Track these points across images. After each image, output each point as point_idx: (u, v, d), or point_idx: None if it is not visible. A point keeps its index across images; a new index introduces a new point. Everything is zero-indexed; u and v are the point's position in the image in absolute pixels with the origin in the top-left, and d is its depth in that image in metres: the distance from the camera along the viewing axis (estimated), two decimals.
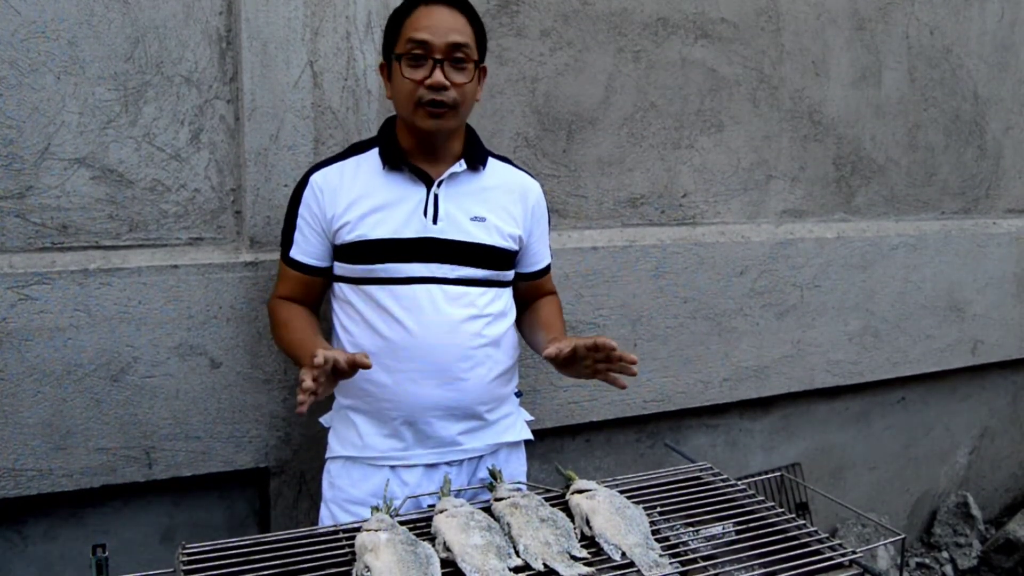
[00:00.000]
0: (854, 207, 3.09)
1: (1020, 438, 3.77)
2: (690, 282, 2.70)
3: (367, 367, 1.58)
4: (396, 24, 1.76)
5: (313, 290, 1.88)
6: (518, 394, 1.98)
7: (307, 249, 1.83)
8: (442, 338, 1.76)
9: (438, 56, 1.70)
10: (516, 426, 1.95)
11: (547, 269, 2.04)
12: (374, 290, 1.77)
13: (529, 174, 1.98)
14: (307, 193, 1.82)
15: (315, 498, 2.25)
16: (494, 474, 1.72)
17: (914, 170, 3.20)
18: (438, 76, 1.69)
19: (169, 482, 2.11)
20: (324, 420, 1.96)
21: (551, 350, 1.73)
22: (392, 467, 1.81)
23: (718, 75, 2.73)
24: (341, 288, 1.84)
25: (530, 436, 1.98)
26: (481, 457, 1.87)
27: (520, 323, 2.02)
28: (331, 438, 1.91)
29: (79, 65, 1.94)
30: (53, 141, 1.94)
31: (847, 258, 2.99)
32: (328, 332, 1.92)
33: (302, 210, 1.82)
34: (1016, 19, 3.34)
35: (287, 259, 1.85)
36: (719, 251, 2.74)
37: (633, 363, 1.68)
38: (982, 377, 3.53)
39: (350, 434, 1.84)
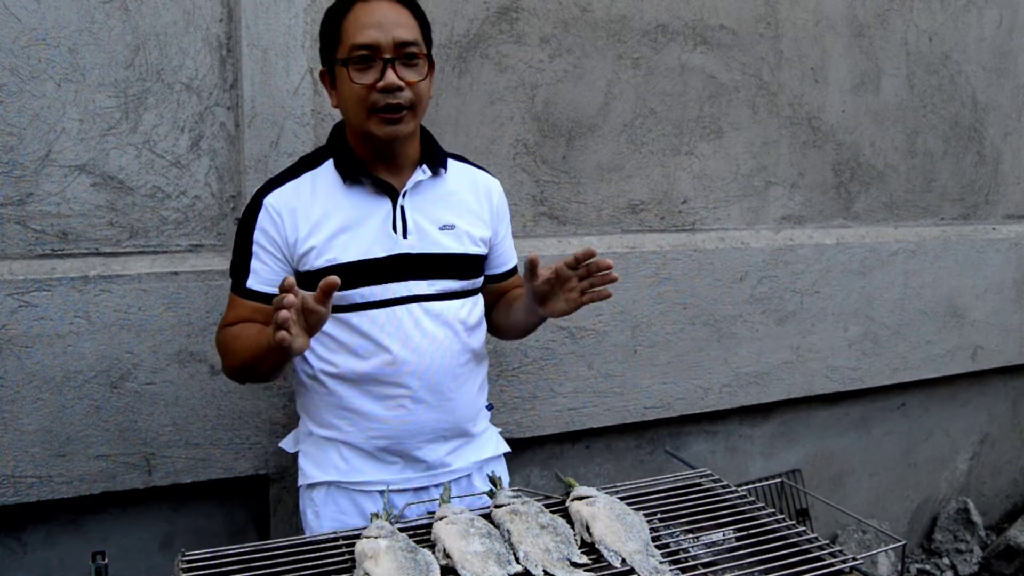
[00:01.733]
0: (853, 213, 3.10)
1: (1020, 444, 3.76)
2: (690, 288, 2.70)
3: (335, 285, 1.40)
4: (334, 25, 1.63)
5: (269, 322, 1.61)
6: (489, 407, 1.92)
7: (267, 277, 1.66)
8: (429, 360, 1.68)
9: (387, 56, 1.57)
10: (494, 439, 1.90)
11: (515, 270, 1.94)
12: (350, 317, 1.66)
13: (486, 171, 1.87)
14: (262, 217, 1.65)
15: None
16: (494, 481, 1.71)
17: (913, 176, 3.21)
18: (391, 77, 1.56)
19: (169, 489, 2.10)
20: (286, 445, 1.86)
21: (542, 271, 1.61)
22: (380, 492, 1.71)
23: (717, 82, 2.73)
24: None
25: (507, 448, 1.93)
26: (468, 475, 1.81)
27: (495, 321, 1.92)
28: (304, 463, 1.77)
29: (80, 72, 1.95)
30: (54, 148, 1.94)
31: (846, 264, 3.00)
32: (292, 376, 1.81)
33: (257, 236, 1.65)
34: (1014, 25, 3.35)
35: (242, 291, 1.67)
36: (719, 257, 2.74)
37: (609, 267, 1.58)
38: (982, 383, 3.53)
39: (331, 459, 1.73)
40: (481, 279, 1.83)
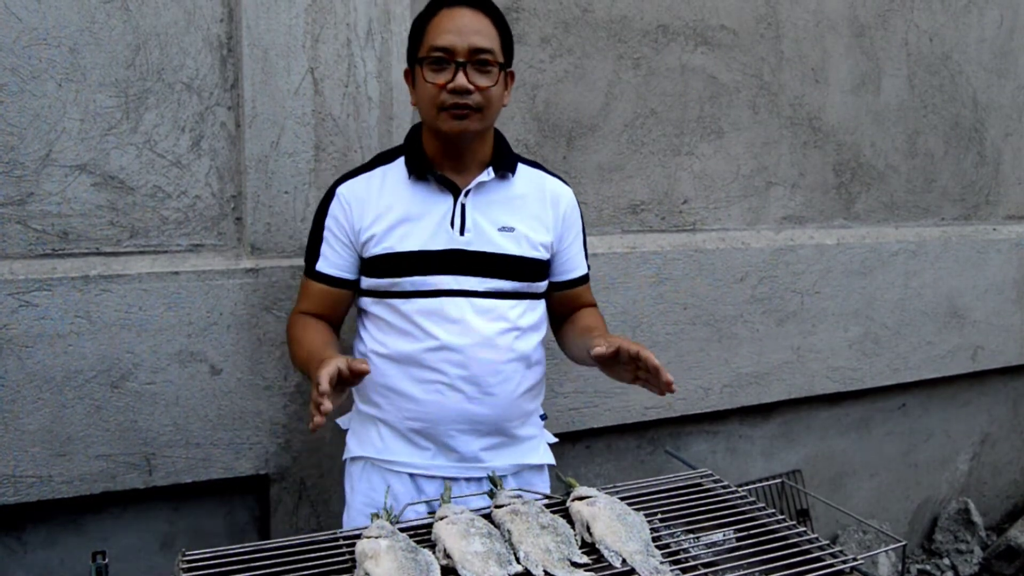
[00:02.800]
0: (854, 213, 3.10)
1: (1021, 444, 3.76)
2: (690, 288, 2.70)
3: (365, 372, 1.53)
4: (419, 29, 1.72)
5: (338, 305, 1.84)
6: (543, 416, 1.95)
7: (335, 262, 1.79)
8: (471, 351, 1.73)
9: (460, 59, 1.65)
10: (539, 449, 1.91)
11: (583, 279, 1.96)
12: (402, 304, 1.74)
13: (561, 179, 1.92)
14: (334, 205, 1.79)
15: (315, 505, 2.25)
16: (494, 481, 1.71)
17: (914, 176, 3.21)
18: (460, 80, 1.65)
19: (169, 489, 2.10)
20: (342, 422, 1.95)
21: (600, 348, 1.67)
22: (411, 475, 1.79)
23: (718, 82, 2.73)
24: (368, 303, 1.80)
25: (552, 460, 1.93)
26: (504, 477, 1.82)
27: (561, 337, 1.98)
28: (349, 439, 1.89)
29: (80, 72, 1.95)
30: (54, 148, 1.95)
31: (847, 264, 3.00)
32: (350, 349, 1.90)
33: (329, 222, 1.79)
34: (1015, 26, 3.35)
35: (313, 273, 1.81)
36: (719, 257, 2.74)
37: (669, 385, 1.61)
38: (982, 383, 3.53)
39: (370, 436, 1.82)
40: (543, 284, 1.86)
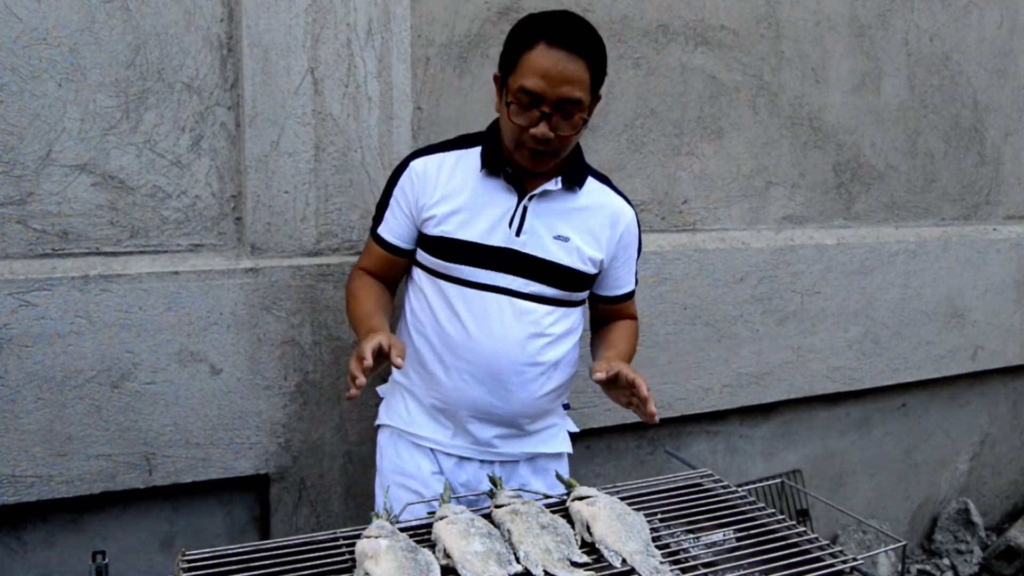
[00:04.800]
0: (854, 213, 3.09)
1: (1021, 444, 3.76)
2: (690, 288, 2.70)
3: (397, 366, 1.61)
4: (515, 50, 1.68)
5: (393, 269, 1.91)
6: (566, 406, 2.00)
7: (395, 230, 1.85)
8: (501, 350, 1.78)
9: (546, 110, 1.65)
10: (558, 437, 1.97)
11: (628, 296, 2.02)
12: (448, 287, 1.80)
13: (626, 199, 1.93)
14: (404, 177, 1.83)
15: (315, 505, 2.25)
16: (494, 480, 1.71)
17: (914, 176, 3.21)
18: (543, 129, 1.65)
19: (169, 488, 2.10)
20: (381, 391, 2.02)
21: (600, 374, 1.71)
22: (432, 450, 1.88)
23: (718, 82, 2.73)
24: (419, 275, 1.87)
25: (569, 449, 1.99)
26: (517, 462, 1.91)
27: (592, 341, 2.04)
28: (381, 406, 1.99)
29: (80, 72, 1.95)
30: (54, 148, 1.94)
31: (847, 264, 3.00)
32: (397, 312, 1.96)
33: (396, 192, 1.84)
34: (1015, 26, 3.35)
35: (375, 234, 1.89)
36: (719, 257, 2.74)
37: (652, 416, 1.67)
38: (982, 383, 3.53)
39: (399, 407, 1.91)
40: (583, 295, 1.92)
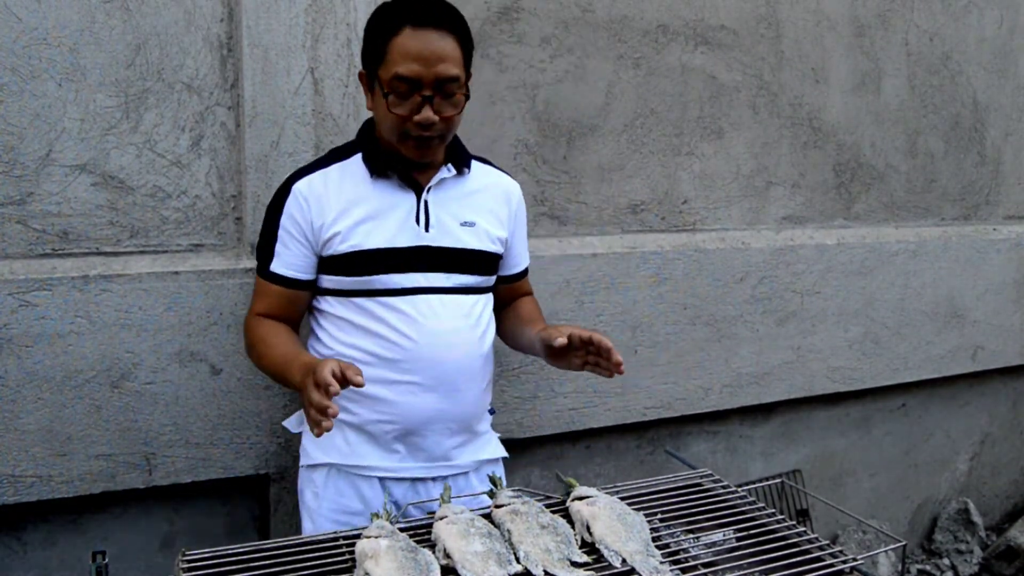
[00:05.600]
0: (854, 213, 3.09)
1: (1021, 444, 3.76)
2: (690, 288, 2.70)
3: (359, 384, 1.46)
4: (381, 41, 1.63)
5: (295, 306, 1.79)
6: (491, 411, 1.94)
7: (290, 261, 1.73)
8: (442, 350, 1.72)
9: (427, 93, 1.61)
10: (493, 442, 1.93)
11: (526, 272, 2.03)
12: (368, 302, 1.72)
13: (508, 174, 1.93)
14: (290, 203, 1.72)
15: None
16: (494, 480, 1.71)
17: (914, 176, 3.21)
18: (427, 113, 1.61)
19: (169, 488, 2.10)
20: (289, 425, 1.90)
21: (561, 340, 1.66)
22: (380, 479, 1.77)
23: (718, 82, 2.73)
24: (327, 303, 1.77)
25: (505, 453, 1.95)
26: (466, 473, 1.84)
27: (500, 325, 1.96)
28: (307, 443, 1.83)
29: (80, 72, 1.95)
30: (54, 148, 1.94)
31: (847, 264, 3.00)
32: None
33: (284, 221, 1.72)
34: (1015, 26, 3.35)
35: (267, 274, 1.75)
36: (719, 257, 2.74)
37: (618, 366, 1.65)
38: (982, 383, 3.53)
39: (335, 440, 1.77)
40: (494, 278, 1.88)
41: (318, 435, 1.43)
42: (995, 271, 3.37)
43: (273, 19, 2.06)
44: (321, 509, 1.78)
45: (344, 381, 1.43)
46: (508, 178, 1.92)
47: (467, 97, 1.69)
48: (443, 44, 1.61)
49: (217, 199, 2.11)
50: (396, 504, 1.77)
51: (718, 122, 2.76)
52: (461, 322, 1.76)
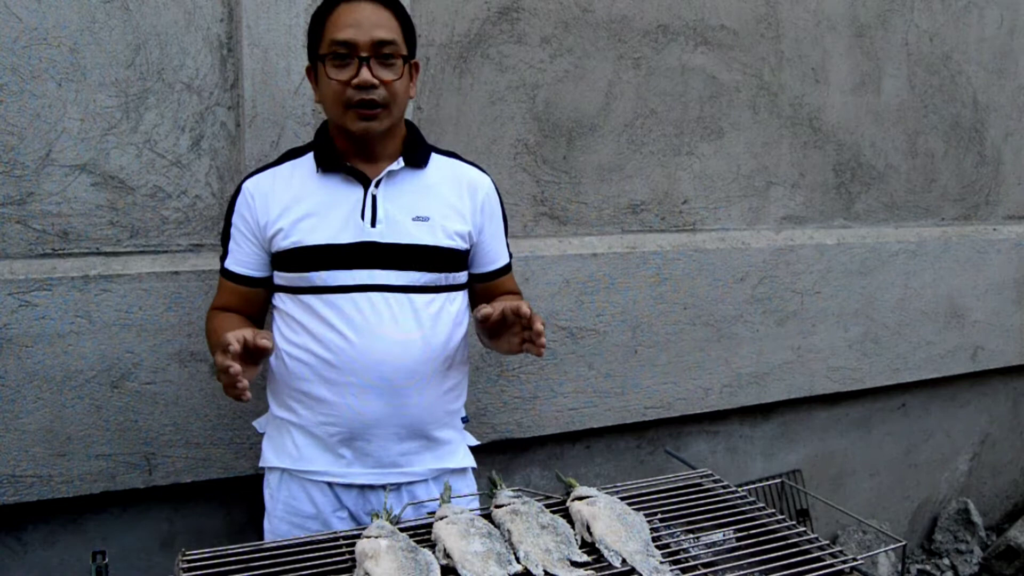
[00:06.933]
0: (854, 213, 3.10)
1: (1021, 445, 3.76)
2: (690, 288, 2.70)
3: (267, 348, 1.51)
4: (318, 24, 1.68)
5: (252, 303, 1.79)
6: (465, 419, 1.88)
7: (242, 259, 1.74)
8: (386, 350, 1.66)
9: (364, 54, 1.61)
10: (459, 452, 1.84)
11: (506, 269, 1.90)
12: (311, 300, 1.69)
13: (480, 168, 1.86)
14: (239, 201, 1.74)
15: None
16: (494, 481, 1.71)
17: (914, 176, 3.21)
18: (365, 75, 1.61)
19: (169, 488, 2.10)
20: (258, 425, 1.90)
21: (486, 308, 1.61)
22: (329, 484, 1.74)
23: (718, 82, 2.73)
24: (281, 298, 1.75)
25: (473, 464, 1.87)
26: (425, 481, 1.78)
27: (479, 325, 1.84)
28: (265, 446, 1.82)
29: (80, 72, 1.95)
30: (54, 148, 1.95)
31: (847, 264, 3.00)
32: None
33: (235, 219, 1.74)
34: (1015, 26, 3.35)
35: (223, 270, 1.78)
36: (719, 257, 2.74)
37: (539, 336, 1.57)
38: (983, 383, 3.53)
39: (286, 444, 1.76)
40: (463, 275, 1.81)
41: (236, 398, 1.47)
42: (995, 271, 3.37)
43: (273, 19, 2.06)
44: (276, 511, 1.78)
45: (257, 348, 1.50)
46: (476, 171, 1.84)
47: (413, 69, 1.72)
48: (377, 14, 1.65)
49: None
50: (350, 512, 1.75)
51: (718, 122, 2.76)
52: (408, 322, 1.69)
